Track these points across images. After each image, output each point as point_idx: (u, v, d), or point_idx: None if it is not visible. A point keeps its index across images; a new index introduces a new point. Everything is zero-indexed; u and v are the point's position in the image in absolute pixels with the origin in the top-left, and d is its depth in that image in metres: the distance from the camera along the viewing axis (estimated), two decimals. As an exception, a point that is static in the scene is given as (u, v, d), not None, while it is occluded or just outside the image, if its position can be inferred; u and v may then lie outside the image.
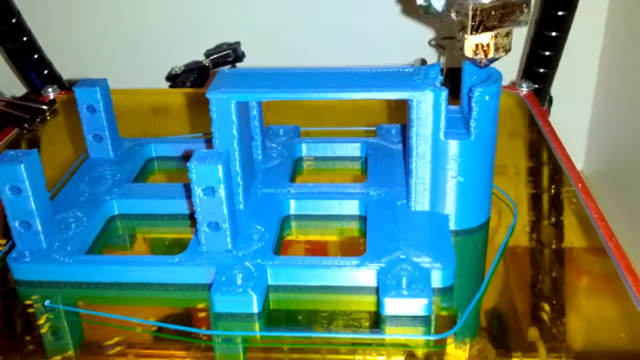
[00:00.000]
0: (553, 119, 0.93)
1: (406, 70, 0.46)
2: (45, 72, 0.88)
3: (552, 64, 0.85)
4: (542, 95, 0.88)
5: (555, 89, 0.92)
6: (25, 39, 0.84)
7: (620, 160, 0.96)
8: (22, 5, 0.84)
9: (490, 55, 0.44)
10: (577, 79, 1.01)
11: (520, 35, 0.98)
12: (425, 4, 0.46)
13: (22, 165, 0.40)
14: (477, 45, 0.43)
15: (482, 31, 0.42)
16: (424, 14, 0.46)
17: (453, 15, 0.43)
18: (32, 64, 0.86)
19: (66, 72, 0.93)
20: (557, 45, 0.83)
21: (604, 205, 1.01)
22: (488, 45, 0.43)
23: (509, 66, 0.99)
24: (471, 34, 0.42)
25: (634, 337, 0.37)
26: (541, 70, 0.85)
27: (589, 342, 0.38)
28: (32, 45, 0.86)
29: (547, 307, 0.39)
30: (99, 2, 0.99)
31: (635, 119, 0.90)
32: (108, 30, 1.01)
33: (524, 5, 0.42)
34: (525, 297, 0.41)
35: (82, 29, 1.01)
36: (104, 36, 1.01)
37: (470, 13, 0.41)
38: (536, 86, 0.79)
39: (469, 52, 0.44)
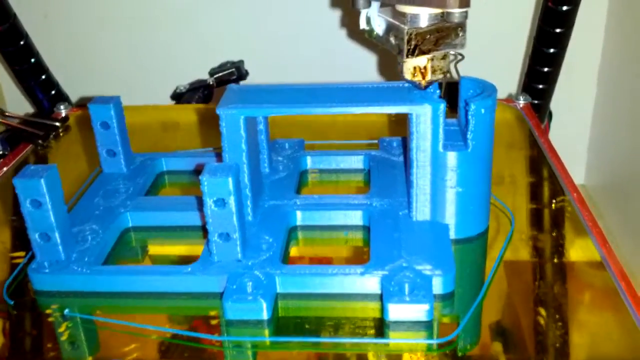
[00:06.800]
0: (553, 134, 0.94)
1: (406, 85, 0.48)
2: (53, 92, 0.89)
3: (550, 80, 0.86)
4: (541, 111, 0.88)
5: (555, 104, 0.92)
6: (33, 60, 0.85)
7: (621, 172, 0.96)
8: (29, 26, 0.86)
9: (428, 77, 0.45)
10: (576, 93, 1.01)
11: (518, 52, 0.99)
12: (368, 28, 0.47)
13: (43, 180, 0.42)
14: (414, 68, 0.44)
15: (418, 54, 0.43)
16: (369, 38, 0.47)
17: (392, 39, 0.44)
18: (39, 84, 0.87)
19: (73, 92, 0.94)
20: (556, 62, 0.84)
21: (606, 217, 1.01)
22: (425, 67, 0.44)
23: (509, 83, 1.00)
24: (407, 57, 0.43)
25: (629, 347, 0.39)
26: (540, 86, 0.85)
27: (585, 346, 0.39)
28: (40, 66, 0.87)
29: (543, 312, 0.41)
30: (104, 22, 1.00)
31: (635, 132, 0.90)
32: (114, 51, 1.02)
33: (459, 29, 0.43)
34: (522, 303, 0.43)
35: (88, 49, 1.02)
36: (110, 57, 1.03)
37: (406, 37, 0.42)
38: (533, 100, 0.80)
39: (407, 74, 0.45)
